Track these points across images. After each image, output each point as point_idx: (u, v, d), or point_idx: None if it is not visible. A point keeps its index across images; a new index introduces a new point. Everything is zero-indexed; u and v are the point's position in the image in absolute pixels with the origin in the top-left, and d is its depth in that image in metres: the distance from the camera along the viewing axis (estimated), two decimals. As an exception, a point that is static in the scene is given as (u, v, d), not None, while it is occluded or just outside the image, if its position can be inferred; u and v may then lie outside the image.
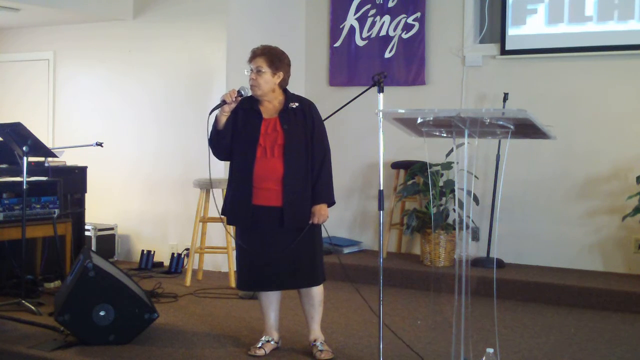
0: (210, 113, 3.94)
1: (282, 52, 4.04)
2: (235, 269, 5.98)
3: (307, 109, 4.01)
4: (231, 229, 5.90)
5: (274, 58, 3.96)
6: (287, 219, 3.90)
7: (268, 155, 3.91)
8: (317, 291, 4.07)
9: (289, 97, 4.04)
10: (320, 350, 4.04)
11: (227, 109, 3.93)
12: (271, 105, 4.00)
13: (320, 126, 4.04)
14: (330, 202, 4.02)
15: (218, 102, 3.97)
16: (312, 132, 3.97)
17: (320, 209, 3.96)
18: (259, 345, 4.08)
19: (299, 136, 3.94)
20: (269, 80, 3.95)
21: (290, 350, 4.16)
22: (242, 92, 3.94)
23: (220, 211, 4.09)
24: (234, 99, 3.90)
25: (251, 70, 3.97)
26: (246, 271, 4.03)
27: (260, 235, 3.94)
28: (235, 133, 3.96)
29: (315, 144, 3.97)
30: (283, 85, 4.03)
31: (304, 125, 3.96)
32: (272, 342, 4.12)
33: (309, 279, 4.02)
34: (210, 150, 4.04)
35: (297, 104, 4.00)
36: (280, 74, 3.98)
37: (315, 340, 4.09)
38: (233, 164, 4.03)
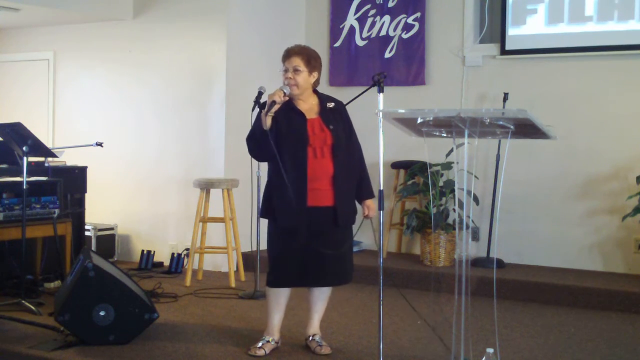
0: (266, 115, 3.86)
1: (316, 52, 4.08)
2: (235, 269, 6.03)
3: (342, 108, 4.09)
4: (231, 227, 5.91)
5: (310, 58, 3.99)
6: (340, 217, 3.95)
7: (318, 155, 3.93)
8: (329, 288, 4.16)
9: (322, 97, 4.07)
10: (320, 346, 4.09)
11: (275, 109, 3.90)
12: (306, 105, 4.02)
13: (352, 125, 4.13)
14: (373, 196, 4.15)
15: (267, 102, 3.91)
16: (350, 131, 4.07)
17: (372, 204, 4.10)
18: (259, 345, 4.08)
19: (343, 136, 4.00)
20: (306, 79, 3.97)
21: (289, 349, 4.15)
22: (286, 92, 3.94)
23: (265, 213, 4.08)
24: (282, 99, 3.90)
25: (287, 69, 3.97)
26: (285, 269, 3.98)
27: (313, 235, 3.93)
28: (279, 133, 3.91)
29: (354, 142, 4.09)
30: (316, 85, 4.07)
31: (343, 125, 4.03)
32: (272, 342, 4.12)
33: (344, 276, 4.09)
34: (249, 151, 4.04)
35: (333, 104, 4.04)
36: (315, 74, 4.02)
37: (314, 335, 4.14)
38: (281, 164, 3.88)
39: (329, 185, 3.93)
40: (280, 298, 4.11)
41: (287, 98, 3.93)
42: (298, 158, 3.90)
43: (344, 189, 3.98)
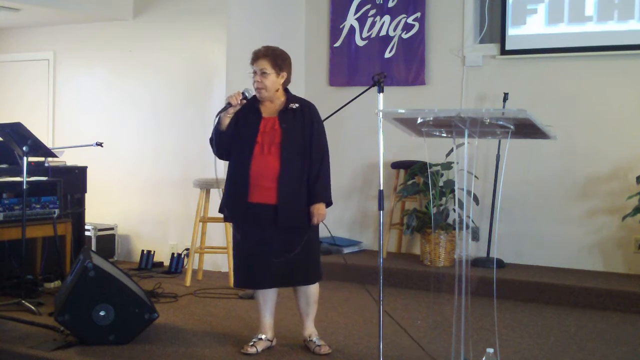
0: (217, 116, 3.96)
1: (284, 51, 4.08)
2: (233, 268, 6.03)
3: (307, 110, 4.05)
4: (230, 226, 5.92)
5: (277, 59, 4.00)
6: (281, 216, 3.92)
7: (265, 152, 3.94)
8: (313, 289, 4.13)
9: (289, 97, 4.07)
10: (319, 345, 4.09)
11: (232, 111, 3.98)
12: (272, 105, 4.04)
13: (319, 127, 4.07)
14: (328, 202, 4.04)
15: (224, 104, 4.02)
16: (310, 132, 4.00)
17: (319, 209, 3.97)
18: (251, 343, 4.10)
19: (297, 136, 3.97)
20: (274, 82, 3.98)
21: (289, 349, 4.15)
22: (246, 94, 3.98)
23: (218, 208, 4.16)
24: (239, 102, 3.94)
25: (254, 72, 3.98)
26: (243, 269, 4.06)
27: (256, 232, 3.97)
28: (235, 132, 3.99)
29: (313, 144, 4.00)
30: (286, 84, 4.07)
31: (302, 125, 4.00)
32: (264, 340, 4.13)
33: (305, 277, 4.06)
34: (213, 150, 4.08)
35: (297, 105, 4.03)
36: (284, 74, 4.02)
37: (310, 336, 4.14)
38: (231, 162, 4.06)
39: (273, 183, 3.93)
40: (265, 296, 4.13)
41: (244, 101, 3.95)
42: (243, 154, 3.95)
43: (291, 188, 3.93)
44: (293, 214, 3.95)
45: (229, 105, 3.94)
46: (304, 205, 3.97)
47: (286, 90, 4.08)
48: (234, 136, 3.99)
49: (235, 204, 3.99)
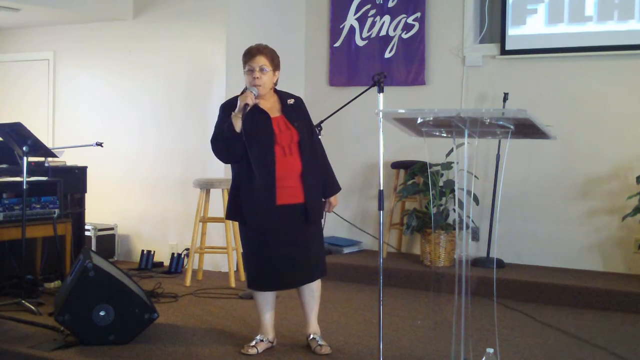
0: (241, 116, 3.86)
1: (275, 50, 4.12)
2: (235, 269, 6.03)
3: (301, 104, 4.12)
4: (231, 227, 5.92)
5: (274, 56, 4.04)
6: (310, 213, 3.97)
7: (287, 153, 3.94)
8: (317, 283, 4.15)
9: (281, 94, 4.09)
10: (320, 345, 4.09)
11: (247, 110, 3.91)
12: (268, 104, 4.03)
13: (311, 120, 4.16)
14: (339, 190, 4.20)
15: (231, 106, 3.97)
16: (310, 127, 4.08)
17: (335, 200, 4.16)
18: (252, 344, 4.10)
19: (306, 132, 4.02)
20: (271, 78, 4.01)
21: (289, 349, 4.15)
22: (255, 93, 3.93)
23: (227, 215, 4.14)
24: (254, 101, 3.90)
25: (252, 69, 3.97)
26: (267, 272, 4.01)
27: (285, 233, 3.95)
28: (245, 134, 3.89)
29: (314, 137, 4.10)
30: (276, 84, 4.09)
31: (304, 120, 4.07)
32: (265, 341, 4.12)
33: (319, 270, 4.12)
34: (216, 153, 4.02)
35: (292, 100, 4.08)
36: (277, 73, 4.06)
37: (313, 334, 4.15)
38: (247, 165, 3.94)
39: (298, 182, 3.96)
40: (267, 297, 4.12)
41: (257, 100, 3.92)
42: (267, 157, 3.90)
43: (312, 184, 4.00)
44: (317, 209, 4.04)
45: (246, 106, 3.86)
46: (321, 198, 4.10)
47: (274, 89, 4.11)
48: (246, 138, 3.91)
49: (264, 208, 3.91)
